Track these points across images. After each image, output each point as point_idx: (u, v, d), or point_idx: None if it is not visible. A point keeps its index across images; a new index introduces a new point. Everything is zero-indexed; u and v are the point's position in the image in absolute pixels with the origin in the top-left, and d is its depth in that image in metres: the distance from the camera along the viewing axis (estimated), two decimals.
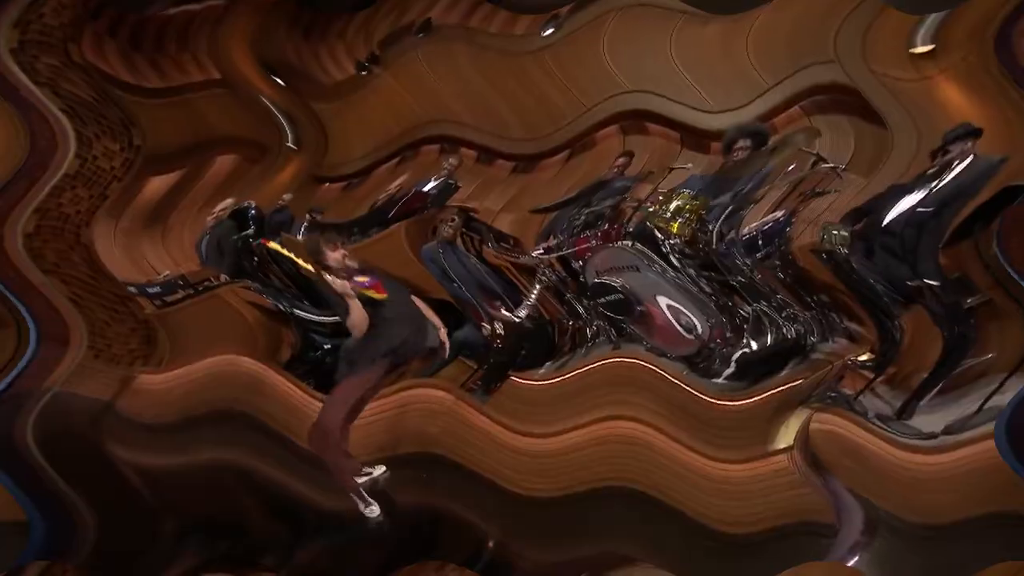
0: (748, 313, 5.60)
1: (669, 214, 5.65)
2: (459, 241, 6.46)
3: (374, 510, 5.05)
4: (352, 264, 4.84)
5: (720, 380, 5.54)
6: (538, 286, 6.09)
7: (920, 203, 5.08)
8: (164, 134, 7.10)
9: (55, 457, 5.54)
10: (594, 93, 6.68)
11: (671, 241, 5.65)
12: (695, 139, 6.32)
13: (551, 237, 6.49)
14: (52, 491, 5.30)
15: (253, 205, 7.37)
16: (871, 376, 5.19)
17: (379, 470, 5.42)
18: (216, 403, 5.99)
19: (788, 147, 5.56)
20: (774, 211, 5.81)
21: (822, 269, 5.43)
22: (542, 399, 5.67)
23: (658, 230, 5.72)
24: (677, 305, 5.63)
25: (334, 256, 4.84)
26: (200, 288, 6.95)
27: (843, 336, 5.45)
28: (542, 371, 5.86)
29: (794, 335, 5.45)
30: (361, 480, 5.27)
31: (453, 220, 6.32)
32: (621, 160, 6.65)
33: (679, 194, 5.72)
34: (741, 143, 5.72)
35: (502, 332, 6.05)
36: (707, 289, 5.67)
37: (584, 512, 4.78)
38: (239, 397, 5.99)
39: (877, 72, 5.40)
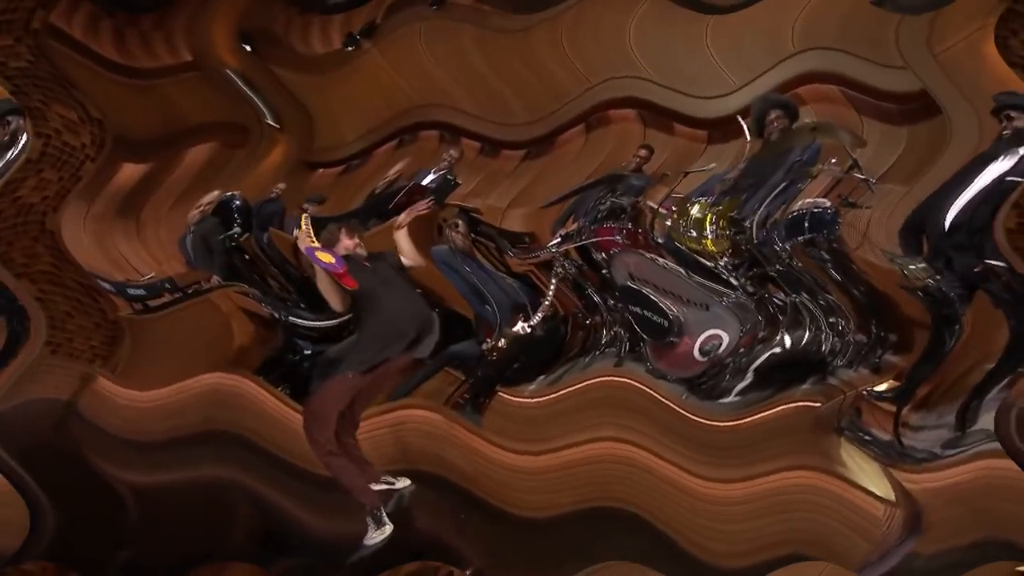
0: (785, 303, 5.19)
1: (693, 230, 5.21)
2: (478, 254, 6.09)
3: (384, 531, 4.42)
4: (361, 253, 4.59)
5: (728, 399, 5.12)
6: (555, 280, 5.65)
7: (999, 178, 4.71)
8: (134, 119, 6.76)
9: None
10: (604, 73, 6.43)
11: (723, 262, 5.23)
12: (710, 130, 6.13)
13: (571, 220, 6.07)
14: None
15: (238, 196, 6.91)
16: (889, 406, 4.82)
17: (402, 482, 4.86)
18: (206, 422, 5.74)
19: (832, 134, 5.12)
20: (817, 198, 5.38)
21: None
22: (535, 417, 5.39)
23: (701, 256, 5.29)
24: (718, 333, 5.21)
25: (346, 244, 4.58)
26: (190, 292, 6.46)
27: (869, 367, 5.09)
28: (533, 387, 5.48)
29: (827, 348, 5.08)
30: (379, 488, 4.74)
31: (458, 225, 5.85)
32: (643, 152, 6.26)
33: (693, 202, 5.28)
34: (774, 113, 5.32)
35: (503, 346, 5.62)
36: (750, 289, 5.25)
37: (575, 535, 4.46)
38: (230, 417, 5.75)
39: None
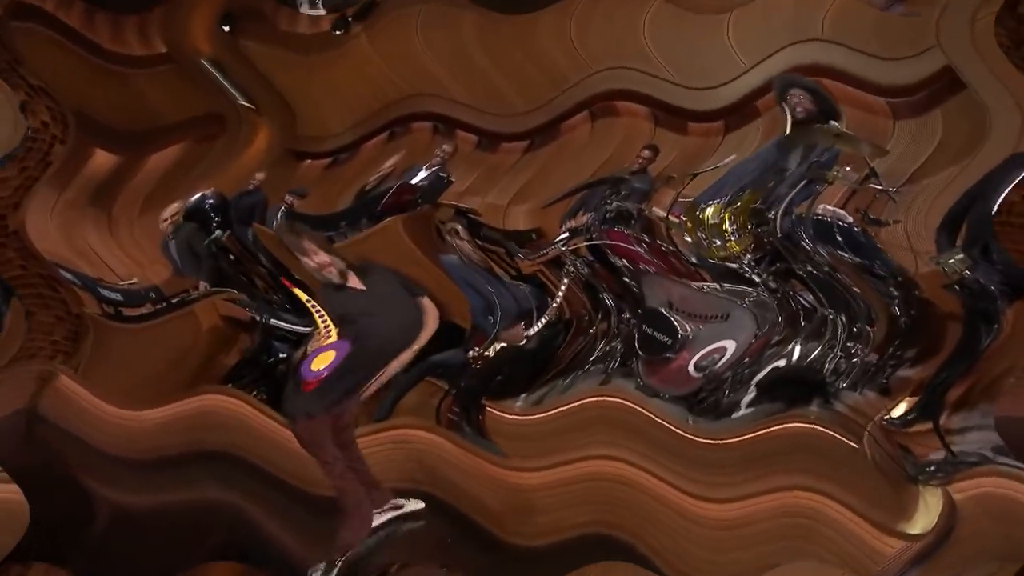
0: (812, 306, 4.92)
1: (716, 239, 4.89)
2: (492, 264, 5.72)
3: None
4: (333, 277, 4.10)
5: (736, 415, 4.84)
6: (566, 280, 5.33)
7: None
8: (105, 105, 6.47)
9: None
10: (608, 61, 6.16)
11: (746, 260, 4.92)
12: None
13: (581, 213, 5.73)
14: None
15: (210, 194, 6.54)
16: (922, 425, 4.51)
17: (413, 504, 4.51)
18: (199, 443, 5.40)
19: (853, 146, 4.81)
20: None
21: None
22: (527, 434, 5.11)
23: (723, 260, 4.98)
24: (723, 345, 4.92)
25: (319, 260, 4.09)
26: (175, 302, 6.09)
27: (876, 388, 4.84)
28: (520, 404, 5.18)
29: (830, 368, 4.79)
30: (384, 516, 4.39)
31: (458, 232, 5.53)
32: (647, 152, 5.96)
33: (703, 207, 4.95)
34: (795, 91, 5.03)
35: (489, 355, 5.31)
36: (772, 285, 4.96)
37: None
38: (226, 438, 5.41)
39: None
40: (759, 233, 4.88)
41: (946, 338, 4.68)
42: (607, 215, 5.37)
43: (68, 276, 6.08)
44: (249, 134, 6.90)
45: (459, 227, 5.53)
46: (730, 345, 4.90)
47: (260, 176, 6.61)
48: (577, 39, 6.11)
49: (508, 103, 6.46)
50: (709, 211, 4.90)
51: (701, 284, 5.09)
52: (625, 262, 5.25)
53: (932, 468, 4.28)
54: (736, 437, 4.67)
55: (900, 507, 4.13)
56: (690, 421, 4.80)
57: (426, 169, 6.34)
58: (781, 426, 4.65)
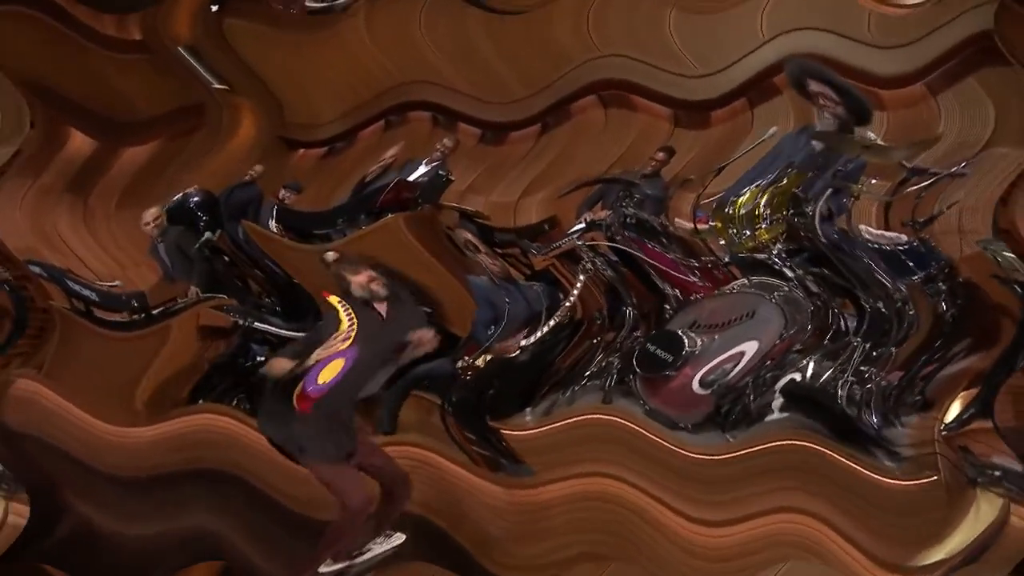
0: (845, 328, 4.45)
1: (747, 230, 4.52)
2: (512, 271, 5.31)
3: None
4: (378, 290, 3.89)
5: (769, 418, 4.52)
6: (582, 277, 4.97)
7: None
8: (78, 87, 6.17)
9: None
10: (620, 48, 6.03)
11: (776, 250, 4.54)
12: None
13: (599, 206, 5.39)
14: None
15: (194, 192, 6.09)
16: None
17: (397, 539, 4.23)
18: (196, 461, 5.05)
19: (884, 156, 4.33)
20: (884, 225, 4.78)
21: (1001, 294, 4.44)
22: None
23: (752, 252, 4.62)
24: (740, 350, 4.59)
25: (358, 280, 3.90)
26: (155, 314, 5.51)
27: (914, 409, 4.55)
28: (529, 418, 4.86)
29: (843, 393, 4.47)
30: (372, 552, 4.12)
31: (478, 248, 5.13)
32: (661, 155, 5.62)
33: (734, 199, 4.58)
34: (815, 87, 4.45)
35: (479, 365, 4.97)
36: (812, 288, 4.62)
37: None
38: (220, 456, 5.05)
39: None
40: (796, 224, 4.39)
41: (1001, 328, 4.30)
42: (626, 219, 4.95)
43: (35, 269, 5.61)
44: (232, 123, 6.55)
45: (475, 240, 5.18)
46: (750, 348, 4.47)
47: (258, 168, 6.23)
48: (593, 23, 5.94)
49: (510, 90, 6.25)
50: (743, 199, 4.43)
51: (731, 285, 4.69)
52: (667, 285, 4.88)
53: (998, 474, 3.94)
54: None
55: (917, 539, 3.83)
56: (729, 439, 4.42)
57: (426, 164, 5.98)
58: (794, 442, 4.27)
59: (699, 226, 4.76)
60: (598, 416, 4.63)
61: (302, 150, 6.52)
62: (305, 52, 6.48)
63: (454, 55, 6.30)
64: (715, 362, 4.45)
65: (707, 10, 5.81)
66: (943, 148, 4.92)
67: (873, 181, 4.44)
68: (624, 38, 5.99)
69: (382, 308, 3.91)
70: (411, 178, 5.83)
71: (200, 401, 5.43)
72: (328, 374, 3.67)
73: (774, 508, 4.04)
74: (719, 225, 4.52)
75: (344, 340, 3.76)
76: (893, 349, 4.33)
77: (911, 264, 4.39)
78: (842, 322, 4.44)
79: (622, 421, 4.54)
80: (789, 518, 4.01)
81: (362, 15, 6.32)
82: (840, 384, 4.29)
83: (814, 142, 4.46)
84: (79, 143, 6.14)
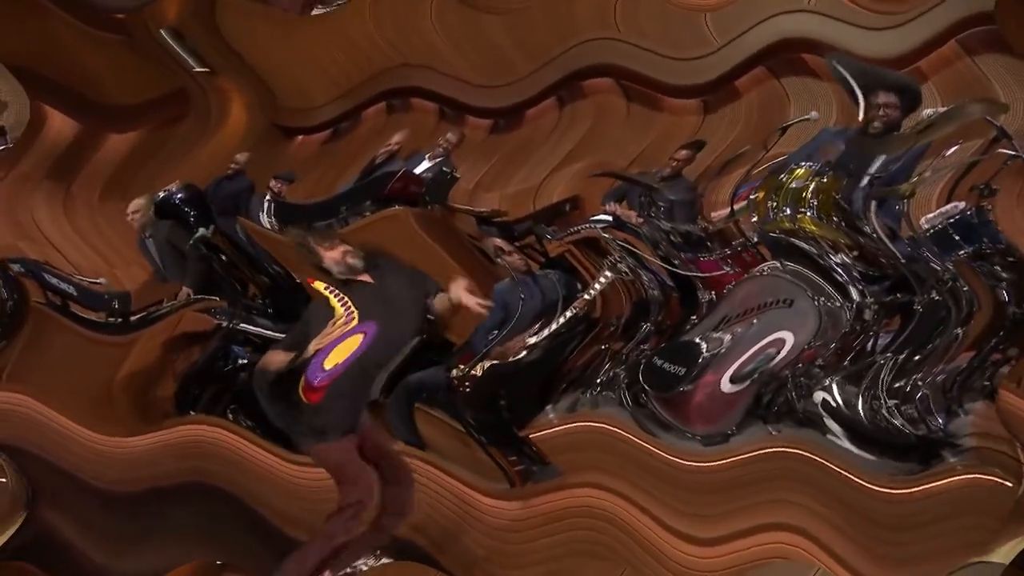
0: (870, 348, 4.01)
1: (787, 207, 4.03)
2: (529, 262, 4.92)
3: None
4: (355, 263, 3.65)
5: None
6: (608, 274, 4.42)
7: None
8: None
9: None
10: None
11: (838, 259, 4.02)
12: None
13: (625, 204, 4.97)
14: None
15: (176, 187, 5.70)
16: None
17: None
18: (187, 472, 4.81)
19: (953, 122, 3.87)
20: (947, 201, 4.20)
21: None
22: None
23: (790, 235, 4.12)
24: (781, 336, 4.09)
25: (332, 256, 3.65)
26: (135, 322, 5.09)
27: (980, 396, 3.95)
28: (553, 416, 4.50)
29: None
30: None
31: (506, 251, 4.71)
32: (683, 153, 5.19)
33: (793, 168, 4.01)
34: (884, 98, 3.99)
35: (476, 374, 4.60)
36: (866, 317, 4.01)
37: None
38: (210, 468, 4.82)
39: None
40: (863, 244, 3.95)
41: None
42: (670, 237, 4.54)
43: (15, 267, 5.22)
44: (220, 109, 6.24)
45: (502, 243, 4.78)
46: (789, 338, 4.02)
47: (240, 157, 5.78)
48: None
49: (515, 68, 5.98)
50: (799, 171, 3.98)
51: (762, 267, 4.22)
52: (713, 294, 4.44)
53: None
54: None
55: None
56: (772, 432, 4.02)
57: (429, 159, 5.66)
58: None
59: (736, 206, 4.32)
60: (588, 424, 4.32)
61: (300, 137, 6.23)
62: (297, 33, 6.26)
63: (457, 36, 6.05)
64: (755, 348, 3.99)
65: None
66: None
67: (951, 151, 3.86)
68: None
69: (366, 278, 3.63)
70: (417, 171, 5.46)
71: (191, 412, 5.07)
72: (338, 356, 3.49)
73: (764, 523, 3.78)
74: (762, 195, 4.05)
75: (346, 323, 3.53)
76: (959, 331, 3.85)
77: (957, 238, 3.91)
78: (869, 343, 3.99)
79: (610, 427, 4.22)
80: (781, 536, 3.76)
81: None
82: (887, 412, 3.83)
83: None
84: (59, 126, 5.86)
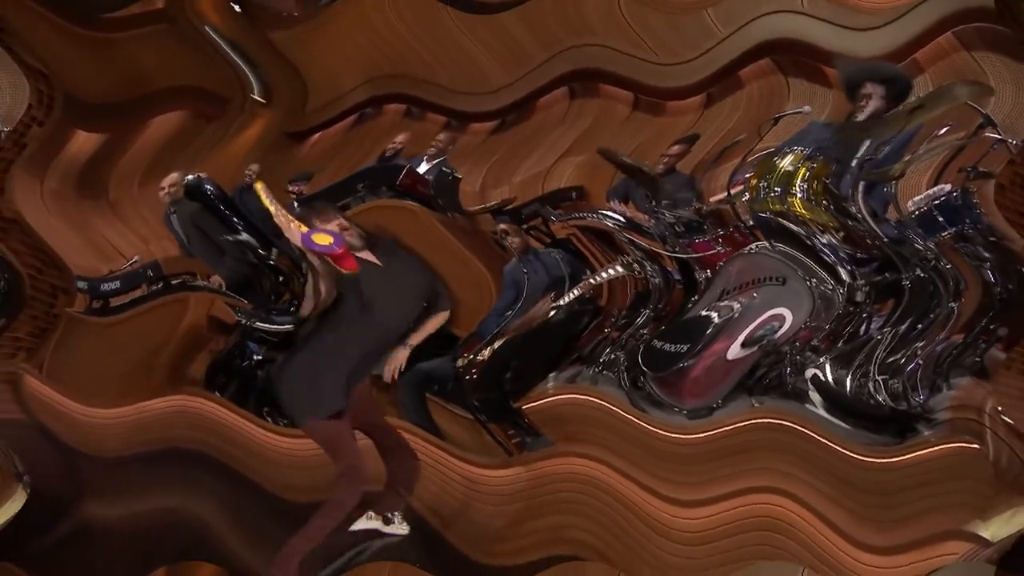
0: (864, 333, 4.12)
1: (778, 187, 4.15)
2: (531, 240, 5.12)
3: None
4: (353, 240, 3.71)
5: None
6: (620, 268, 4.61)
7: None
8: (91, 79, 6.02)
9: None
10: None
11: (824, 239, 4.17)
12: None
13: (628, 202, 5.04)
14: None
15: (207, 179, 5.92)
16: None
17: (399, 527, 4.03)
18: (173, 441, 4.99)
19: (942, 103, 3.95)
20: (934, 184, 4.42)
21: None
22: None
23: (780, 216, 4.21)
24: (781, 312, 4.22)
25: (329, 228, 3.71)
26: (174, 284, 5.37)
27: (968, 372, 4.15)
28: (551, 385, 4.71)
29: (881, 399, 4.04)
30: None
31: (508, 232, 4.94)
32: (676, 148, 5.29)
33: (786, 152, 4.18)
34: (870, 87, 4.21)
35: (483, 359, 4.72)
36: (858, 298, 4.11)
37: None
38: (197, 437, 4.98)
39: None
40: (839, 221, 4.15)
41: None
42: (674, 228, 4.66)
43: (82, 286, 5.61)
44: (249, 118, 6.43)
45: (506, 226, 4.98)
46: (788, 315, 4.18)
47: (255, 168, 6.04)
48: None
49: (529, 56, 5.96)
50: (790, 157, 4.18)
51: (751, 246, 4.38)
52: (707, 272, 4.59)
53: None
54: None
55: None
56: (755, 404, 4.21)
57: (427, 162, 5.74)
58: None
59: (733, 191, 4.46)
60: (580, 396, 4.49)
61: (317, 135, 6.36)
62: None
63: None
64: (764, 317, 4.20)
65: None
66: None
67: (942, 131, 4.04)
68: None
69: (367, 255, 3.73)
70: (420, 171, 5.60)
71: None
72: (322, 239, 3.52)
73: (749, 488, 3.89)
74: (753, 181, 4.26)
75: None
76: (953, 305, 4.01)
77: (941, 219, 4.10)
78: (863, 327, 4.15)
79: (598, 401, 4.41)
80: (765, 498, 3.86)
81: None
82: (872, 387, 4.02)
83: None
84: (84, 141, 6.10)
